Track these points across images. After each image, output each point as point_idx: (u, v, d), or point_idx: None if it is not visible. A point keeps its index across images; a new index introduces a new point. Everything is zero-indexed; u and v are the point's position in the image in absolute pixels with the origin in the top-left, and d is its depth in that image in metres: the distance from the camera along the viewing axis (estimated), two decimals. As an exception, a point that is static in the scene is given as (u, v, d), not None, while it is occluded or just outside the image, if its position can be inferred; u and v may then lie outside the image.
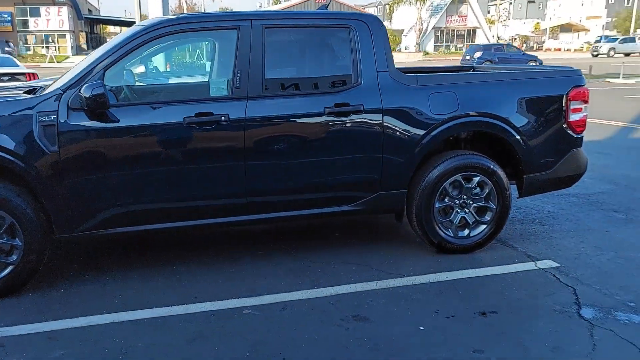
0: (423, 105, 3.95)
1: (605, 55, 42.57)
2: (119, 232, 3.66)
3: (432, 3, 47.05)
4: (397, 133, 3.92)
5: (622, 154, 8.19)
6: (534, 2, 74.75)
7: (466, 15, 51.26)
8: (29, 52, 45.59)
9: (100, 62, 3.51)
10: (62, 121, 3.41)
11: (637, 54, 43.96)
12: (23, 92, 4.10)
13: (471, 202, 4.21)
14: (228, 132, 3.64)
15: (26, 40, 48.90)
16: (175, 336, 3.10)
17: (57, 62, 38.16)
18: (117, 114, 3.49)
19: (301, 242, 4.52)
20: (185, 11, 48.97)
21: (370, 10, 68.30)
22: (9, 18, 46.59)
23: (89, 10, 66.51)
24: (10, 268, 3.50)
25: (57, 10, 48.62)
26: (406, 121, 3.92)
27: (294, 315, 3.35)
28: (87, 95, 3.26)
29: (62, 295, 3.60)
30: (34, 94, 4.09)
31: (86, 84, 3.34)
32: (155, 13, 13.55)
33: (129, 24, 73.71)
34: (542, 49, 57.31)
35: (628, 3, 68.40)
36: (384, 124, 3.89)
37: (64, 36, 49.99)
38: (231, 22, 3.73)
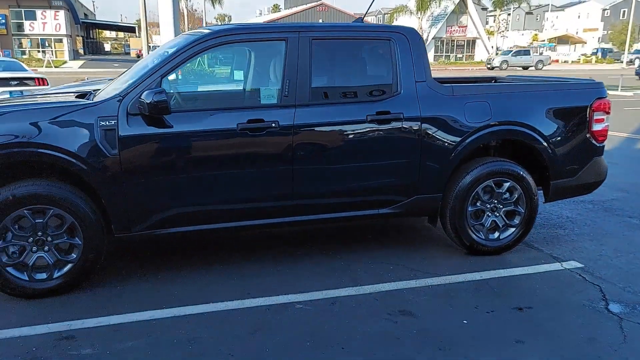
0: (459, 114, 4.17)
1: (498, 68, 42.28)
2: (173, 232, 3.84)
3: (432, 13, 47.57)
4: (435, 140, 4.14)
5: (628, 163, 8.47)
6: (531, 13, 75.66)
7: (466, 26, 51.85)
8: (24, 56, 45.38)
9: (158, 70, 3.71)
10: (122, 126, 3.60)
11: (533, 67, 44.10)
12: (75, 97, 4.31)
13: (501, 207, 4.44)
14: (278, 138, 3.85)
15: (21, 43, 48.61)
16: (237, 328, 3.29)
17: (55, 66, 38.08)
18: (173, 119, 3.67)
19: (335, 243, 4.72)
20: (186, 17, 49.03)
21: (370, 19, 68.91)
22: (3, 21, 46.15)
23: (85, 15, 66.53)
24: (69, 266, 3.67)
25: (54, 13, 48.30)
26: (443, 129, 4.14)
27: (343, 310, 3.54)
28: (150, 101, 3.46)
29: (119, 292, 3.78)
30: (86, 98, 4.30)
31: (147, 91, 3.53)
32: (165, 18, 13.70)
33: (126, 28, 73.94)
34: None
35: (623, 16, 69.43)
36: (422, 131, 4.11)
37: (60, 40, 49.76)
38: (280, 33, 3.95)
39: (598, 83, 4.68)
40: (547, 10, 69.49)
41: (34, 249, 3.60)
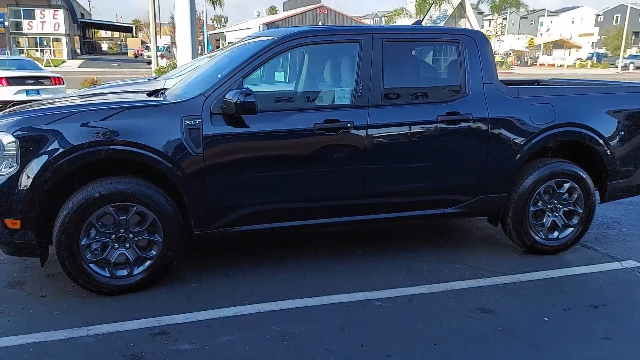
0: (524, 115, 4.24)
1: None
2: (248, 229, 3.88)
3: (431, 17, 47.79)
4: (501, 141, 4.21)
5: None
6: (526, 18, 76.18)
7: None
8: (22, 55, 45.15)
9: (239, 70, 3.75)
10: (206, 125, 3.64)
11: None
12: (146, 95, 4.36)
13: (561, 207, 4.51)
14: (352, 138, 3.90)
15: (18, 42, 48.37)
16: (325, 324, 3.34)
17: (54, 66, 37.91)
18: (250, 119, 3.71)
19: (392, 242, 4.76)
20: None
21: (367, 22, 69.08)
22: (1, 19, 46.00)
23: (82, 14, 66.34)
24: (149, 262, 3.70)
25: (53, 12, 48.16)
26: (510, 130, 4.21)
27: (422, 308, 3.59)
28: (238, 101, 3.50)
29: (195, 288, 3.81)
30: (157, 96, 4.35)
31: (233, 91, 3.58)
32: (182, 19, 13.67)
33: (123, 28, 73.79)
34: (536, 64, 58.30)
35: (616, 22, 70.06)
36: (490, 132, 4.17)
37: (59, 40, 49.60)
38: (354, 35, 4.00)
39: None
40: (542, 15, 70.00)
41: (116, 245, 3.63)
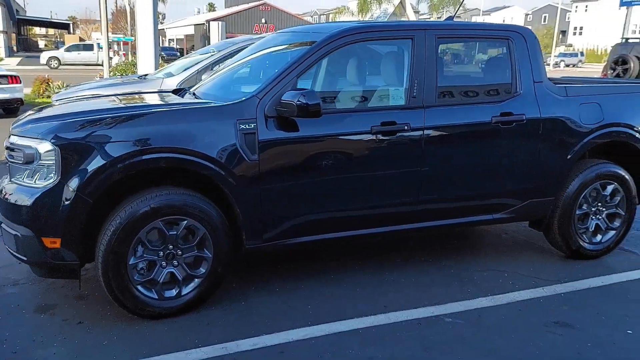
0: (575, 115, 4.12)
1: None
2: (303, 241, 3.59)
3: (372, 15, 47.93)
4: (553, 142, 4.07)
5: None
6: (459, 17, 77.68)
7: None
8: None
9: (293, 70, 3.45)
10: (261, 129, 3.33)
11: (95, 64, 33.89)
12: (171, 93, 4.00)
13: (604, 209, 4.42)
14: (409, 141, 3.67)
15: (-51, 41, 45.54)
16: (405, 345, 3.10)
17: (-8, 64, 35.76)
18: (305, 122, 3.42)
19: (431, 251, 4.55)
20: (128, 13, 47.07)
21: (307, 19, 68.68)
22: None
23: (17, 11, 63.23)
24: (197, 281, 3.36)
25: (-11, 9, 45.71)
26: (561, 130, 4.08)
27: (495, 323, 3.39)
28: (301, 104, 3.19)
29: (247, 308, 3.49)
30: (180, 95, 4.00)
31: (292, 92, 3.28)
32: (144, 14, 12.94)
33: (59, 25, 70.58)
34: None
35: (545, 21, 72.80)
36: (542, 133, 4.02)
37: (-5, 37, 47.03)
38: (407, 31, 3.76)
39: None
40: (475, 15, 71.78)
41: (164, 263, 3.26)
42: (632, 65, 14.52)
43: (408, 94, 3.72)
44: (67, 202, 3.02)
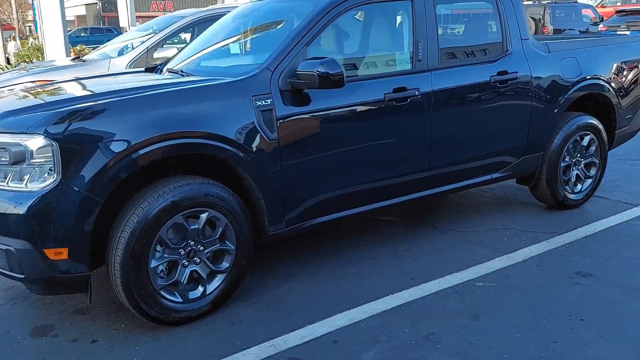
0: (558, 70, 4.19)
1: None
2: (324, 221, 3.38)
3: None
4: (541, 98, 4.12)
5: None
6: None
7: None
8: None
9: (301, 38, 3.17)
10: (277, 104, 3.05)
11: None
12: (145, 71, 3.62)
13: (582, 160, 4.58)
14: (419, 106, 3.54)
15: None
16: (453, 315, 3.01)
17: None
18: (319, 94, 3.18)
19: (429, 218, 4.49)
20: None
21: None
22: None
23: None
24: (221, 277, 3.06)
25: None
26: (548, 86, 4.13)
27: (524, 281, 3.40)
28: (322, 74, 2.94)
29: (274, 299, 3.24)
30: (156, 72, 3.64)
31: (309, 61, 3.02)
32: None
33: None
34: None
35: None
36: (532, 90, 4.05)
37: None
38: (407, -7, 3.59)
39: (641, 37, 4.99)
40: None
41: (185, 262, 2.92)
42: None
43: (413, 58, 3.57)
44: (72, 205, 2.59)
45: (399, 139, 3.51)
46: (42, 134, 2.55)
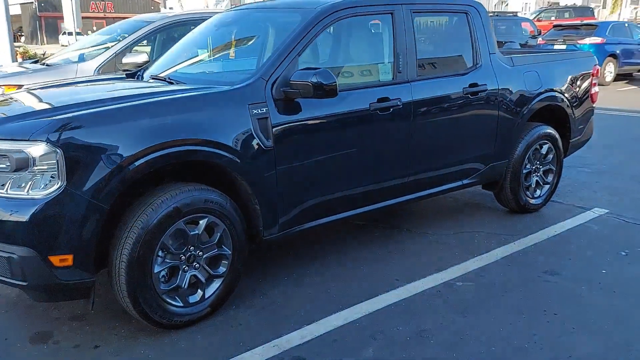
0: (521, 83, 4.49)
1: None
2: (315, 225, 3.53)
3: None
4: (507, 109, 4.41)
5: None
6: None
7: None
8: None
9: (292, 49, 3.30)
10: (272, 113, 3.17)
11: None
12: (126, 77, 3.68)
13: (541, 167, 4.92)
14: (400, 115, 3.74)
15: None
16: (443, 310, 3.21)
17: None
18: (308, 103, 3.32)
19: (403, 221, 4.70)
20: None
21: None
22: None
23: None
24: (218, 281, 3.14)
25: None
26: (513, 98, 4.43)
27: (498, 280, 3.65)
28: (317, 83, 3.08)
29: (270, 302, 3.34)
30: (137, 78, 3.70)
31: (303, 71, 3.15)
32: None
33: None
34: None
35: None
36: (499, 101, 4.34)
37: None
38: (387, 6, 3.78)
39: (590, 52, 5.40)
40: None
41: (185, 267, 2.99)
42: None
43: (394, 69, 3.76)
44: (78, 212, 2.62)
45: (382, 146, 3.69)
46: (46, 141, 2.56)
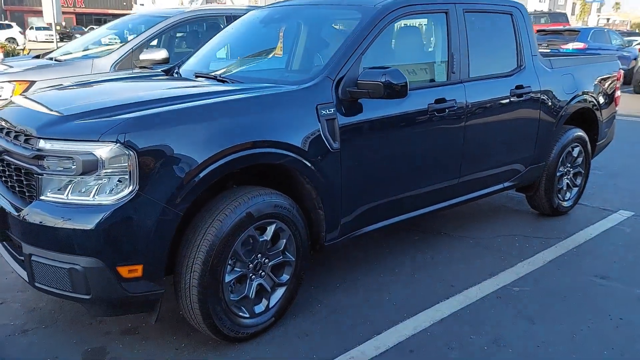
0: (559, 85, 4.45)
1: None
2: (373, 229, 3.41)
3: None
4: (548, 111, 4.36)
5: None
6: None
7: (225, 1, 51.41)
8: None
9: (356, 47, 3.17)
10: (339, 114, 3.03)
11: None
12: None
13: (571, 169, 4.90)
14: (455, 117, 3.64)
15: None
16: (504, 317, 3.12)
17: None
18: (369, 103, 3.20)
19: (438, 225, 4.61)
20: None
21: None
22: None
23: None
24: (282, 289, 2.99)
25: None
26: (552, 100, 4.39)
27: (551, 284, 3.59)
28: (387, 83, 2.95)
29: (330, 312, 3.20)
30: (173, 74, 3.56)
31: (372, 70, 3.01)
32: None
33: None
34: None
35: None
36: (541, 103, 4.29)
37: None
38: (442, 5, 3.69)
39: (614, 55, 5.41)
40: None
41: (252, 275, 2.83)
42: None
43: (448, 69, 3.67)
44: (151, 218, 2.43)
45: (437, 147, 3.59)
46: (117, 142, 2.37)
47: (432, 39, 3.79)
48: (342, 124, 3.02)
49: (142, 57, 4.99)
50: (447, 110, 3.56)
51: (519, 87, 4.07)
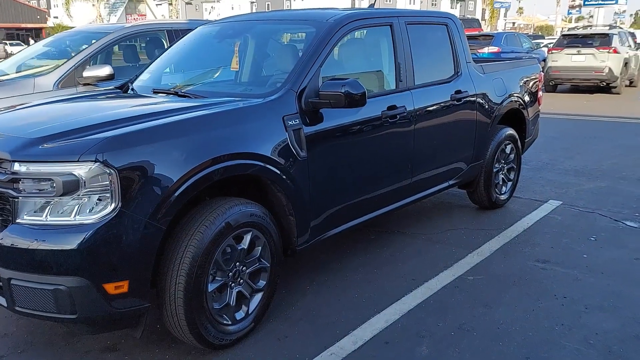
0: (492, 89, 4.83)
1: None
2: (339, 231, 3.59)
3: (109, 0, 44.76)
4: (483, 113, 4.72)
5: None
6: (190, 3, 77.22)
7: (145, 15, 50.40)
8: None
9: (315, 60, 3.35)
10: (304, 123, 3.20)
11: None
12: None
13: (505, 165, 5.30)
14: (405, 122, 3.89)
15: None
16: (470, 307, 3.39)
17: None
18: (327, 112, 3.39)
19: (386, 223, 4.85)
20: None
21: (34, 3, 60.84)
22: None
23: None
24: (259, 295, 3.11)
25: None
26: (486, 103, 4.75)
27: (501, 271, 3.90)
28: (348, 94, 3.14)
29: (305, 313, 3.34)
30: (126, 90, 3.64)
31: (333, 82, 3.19)
32: None
33: None
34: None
35: (269, 8, 77.32)
36: (477, 106, 4.64)
37: None
38: (387, 18, 3.93)
39: (536, 58, 5.89)
40: (205, 1, 72.52)
41: (232, 284, 2.94)
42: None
43: (396, 78, 3.92)
44: (135, 234, 2.49)
45: (392, 150, 3.83)
46: (98, 161, 2.41)
47: (380, 50, 4.02)
48: (308, 132, 3.18)
49: (86, 74, 4.93)
50: (398, 116, 3.80)
51: (457, 92, 4.39)
